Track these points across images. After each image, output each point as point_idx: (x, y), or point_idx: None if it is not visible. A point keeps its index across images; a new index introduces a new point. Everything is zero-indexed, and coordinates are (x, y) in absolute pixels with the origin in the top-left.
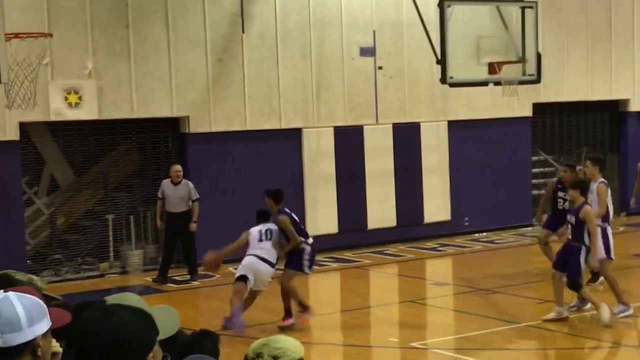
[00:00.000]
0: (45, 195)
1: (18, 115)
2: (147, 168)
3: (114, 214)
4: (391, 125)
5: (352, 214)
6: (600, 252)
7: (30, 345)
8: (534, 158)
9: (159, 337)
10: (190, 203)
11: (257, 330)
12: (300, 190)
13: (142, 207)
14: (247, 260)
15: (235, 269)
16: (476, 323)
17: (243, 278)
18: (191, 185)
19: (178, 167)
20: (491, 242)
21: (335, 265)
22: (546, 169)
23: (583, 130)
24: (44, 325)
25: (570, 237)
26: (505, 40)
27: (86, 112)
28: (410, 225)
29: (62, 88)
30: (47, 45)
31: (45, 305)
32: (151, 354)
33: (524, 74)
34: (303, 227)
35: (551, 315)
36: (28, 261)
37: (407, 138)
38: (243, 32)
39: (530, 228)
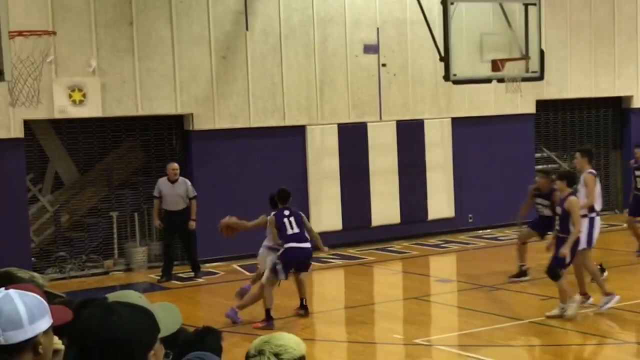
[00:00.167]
0: (50, 192)
1: (22, 113)
2: (151, 165)
3: (118, 212)
4: (395, 122)
5: (356, 210)
6: (582, 242)
7: (31, 343)
8: (538, 155)
9: (160, 335)
10: (188, 201)
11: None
12: (304, 187)
13: (146, 205)
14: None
15: (239, 266)
16: (480, 319)
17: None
18: (188, 182)
19: (175, 165)
20: (495, 238)
21: (339, 262)
22: (549, 165)
23: (586, 127)
24: (45, 322)
25: (558, 229)
26: (508, 37)
27: (90, 110)
28: (414, 222)
29: (66, 86)
30: (51, 43)
31: (46, 303)
32: (152, 352)
33: (527, 71)
34: (289, 231)
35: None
36: (32, 258)
37: (410, 135)
38: (247, 29)
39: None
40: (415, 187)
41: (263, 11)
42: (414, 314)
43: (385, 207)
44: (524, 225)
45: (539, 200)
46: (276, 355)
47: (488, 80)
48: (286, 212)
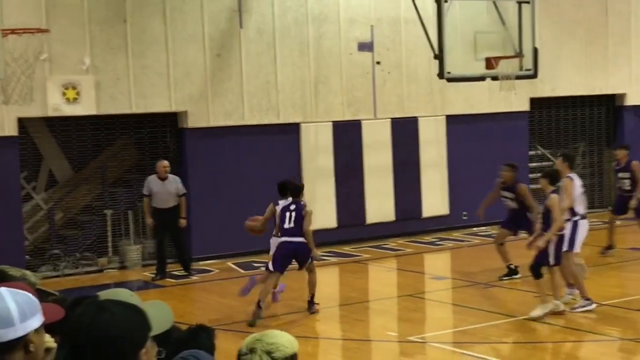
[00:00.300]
0: (44, 190)
1: (16, 111)
2: (145, 163)
3: (112, 209)
4: (389, 120)
5: (351, 208)
6: (565, 244)
7: (22, 341)
8: (531, 152)
9: (152, 333)
10: (178, 198)
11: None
12: None
13: (140, 203)
14: None
15: (233, 264)
16: (474, 317)
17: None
18: (178, 180)
19: (166, 162)
20: (489, 236)
21: (334, 259)
22: (543, 163)
23: (580, 124)
24: (37, 320)
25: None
26: (502, 35)
27: (84, 108)
28: (409, 219)
29: (60, 83)
30: (44, 41)
31: (37, 301)
32: (144, 350)
33: (521, 68)
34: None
35: (547, 307)
36: (26, 256)
37: (405, 133)
38: (241, 27)
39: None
40: (409, 185)
41: (257, 9)
42: (409, 311)
43: (379, 205)
44: (497, 226)
45: (504, 193)
46: (268, 353)
47: (482, 78)
48: (292, 207)
